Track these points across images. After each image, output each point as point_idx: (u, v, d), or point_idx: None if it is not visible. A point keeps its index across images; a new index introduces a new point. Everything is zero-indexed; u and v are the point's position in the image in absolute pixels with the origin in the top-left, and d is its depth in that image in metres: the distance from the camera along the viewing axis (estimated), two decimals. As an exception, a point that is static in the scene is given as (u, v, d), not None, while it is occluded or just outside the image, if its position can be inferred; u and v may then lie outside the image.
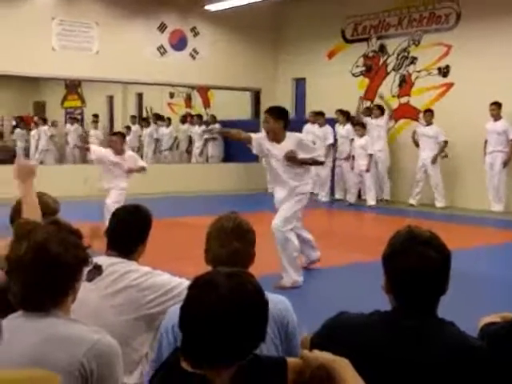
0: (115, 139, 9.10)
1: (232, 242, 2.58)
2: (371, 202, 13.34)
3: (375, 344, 2.08)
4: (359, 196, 14.04)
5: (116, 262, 3.09)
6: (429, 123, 13.02)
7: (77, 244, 2.21)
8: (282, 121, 6.76)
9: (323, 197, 14.43)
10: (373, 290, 2.41)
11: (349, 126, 14.20)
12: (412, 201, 13.23)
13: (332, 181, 14.52)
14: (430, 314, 2.14)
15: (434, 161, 12.85)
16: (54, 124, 20.64)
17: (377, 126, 13.73)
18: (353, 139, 13.99)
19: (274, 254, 6.63)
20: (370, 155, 13.34)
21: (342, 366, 1.92)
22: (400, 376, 2.02)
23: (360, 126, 13.54)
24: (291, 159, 6.62)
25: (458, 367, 2.02)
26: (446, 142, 12.83)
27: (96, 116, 20.25)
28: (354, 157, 13.74)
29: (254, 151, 7.13)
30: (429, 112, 13.12)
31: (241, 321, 1.70)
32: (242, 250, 2.60)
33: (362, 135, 13.45)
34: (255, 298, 1.75)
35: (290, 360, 2.10)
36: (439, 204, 12.93)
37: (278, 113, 6.82)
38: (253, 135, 7.04)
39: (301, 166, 6.74)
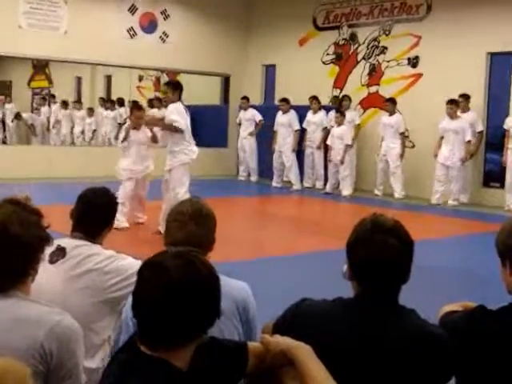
0: (140, 114, 9.00)
1: (189, 226, 2.56)
2: (346, 192, 13.27)
3: (337, 331, 2.09)
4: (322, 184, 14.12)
5: (80, 245, 3.06)
6: (391, 113, 13.10)
7: (37, 223, 2.18)
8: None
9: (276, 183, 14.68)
10: (337, 278, 2.42)
11: (322, 114, 14.22)
12: (377, 192, 13.29)
13: (301, 168, 14.53)
14: (392, 302, 2.15)
15: (401, 156, 12.92)
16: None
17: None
18: (326, 127, 13.99)
19: (242, 239, 6.66)
20: (347, 146, 13.22)
21: (303, 351, 1.93)
22: (362, 363, 2.04)
23: (339, 115, 13.33)
24: None
25: (418, 354, 2.04)
26: (402, 134, 12.93)
27: (65, 102, 20.13)
28: (327, 146, 13.64)
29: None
30: (391, 101, 13.19)
31: (192, 299, 1.70)
32: (200, 233, 2.57)
33: (340, 124, 13.30)
34: (204, 275, 1.76)
35: (251, 344, 2.11)
36: (397, 195, 12.91)
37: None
38: None
39: None
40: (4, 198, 2.24)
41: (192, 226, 2.56)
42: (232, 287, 2.58)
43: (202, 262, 1.79)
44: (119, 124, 18.96)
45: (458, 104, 11.90)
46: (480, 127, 12.06)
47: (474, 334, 2.15)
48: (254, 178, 15.59)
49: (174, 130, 8.12)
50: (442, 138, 12.13)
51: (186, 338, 1.75)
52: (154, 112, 18.47)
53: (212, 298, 1.77)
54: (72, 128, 19.84)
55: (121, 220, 8.33)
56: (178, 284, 1.69)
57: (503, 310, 2.18)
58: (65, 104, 20.01)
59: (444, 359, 2.08)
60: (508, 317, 2.15)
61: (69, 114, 19.88)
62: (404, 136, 13.05)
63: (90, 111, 19.69)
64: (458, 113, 11.97)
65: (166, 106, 8.42)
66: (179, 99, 8.35)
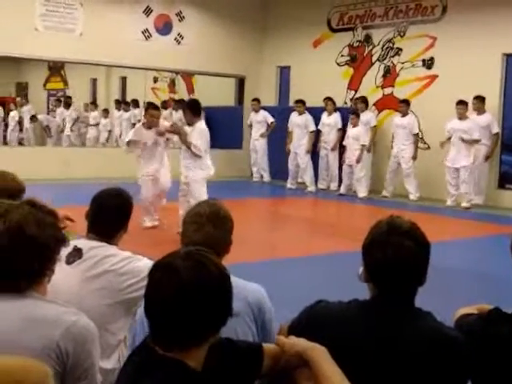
0: (156, 113, 8.95)
1: (207, 227, 2.56)
2: (362, 193, 13.22)
3: (353, 333, 2.09)
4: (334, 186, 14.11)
5: (96, 246, 3.07)
6: (404, 114, 13.06)
7: (53, 224, 2.19)
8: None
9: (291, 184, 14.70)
10: (352, 280, 2.41)
11: (337, 115, 14.20)
12: (385, 193, 13.26)
13: (316, 169, 14.52)
14: (408, 304, 2.15)
15: (414, 157, 12.87)
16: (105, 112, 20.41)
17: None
18: (340, 129, 13.98)
19: (257, 241, 6.65)
20: (363, 146, 13.18)
21: (318, 352, 1.93)
22: (377, 365, 2.03)
23: (355, 116, 13.31)
24: None
25: (434, 357, 2.03)
26: (416, 135, 12.90)
27: (69, 97, 20.29)
28: (344, 147, 13.62)
29: None
30: (404, 103, 13.16)
31: (203, 299, 1.71)
32: (217, 235, 2.57)
33: (355, 125, 13.27)
34: (215, 274, 1.76)
35: (266, 346, 2.11)
36: (412, 196, 12.89)
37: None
38: None
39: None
40: (21, 200, 2.26)
41: (209, 228, 2.56)
42: (246, 288, 2.58)
43: (212, 262, 1.79)
44: (133, 124, 19.08)
45: (467, 105, 11.83)
46: (496, 129, 11.97)
47: (490, 337, 2.14)
48: (266, 178, 15.61)
49: (190, 151, 8.18)
50: (449, 139, 12.06)
51: (198, 338, 1.75)
52: (167, 114, 18.59)
53: (223, 297, 1.78)
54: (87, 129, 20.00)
55: (145, 220, 8.61)
56: (188, 285, 1.70)
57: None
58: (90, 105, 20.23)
59: (460, 362, 2.08)
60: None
61: (86, 115, 20.05)
62: (417, 137, 13.00)
63: (105, 112, 19.81)
64: (474, 115, 11.89)
65: (189, 125, 8.39)
66: (199, 118, 8.49)
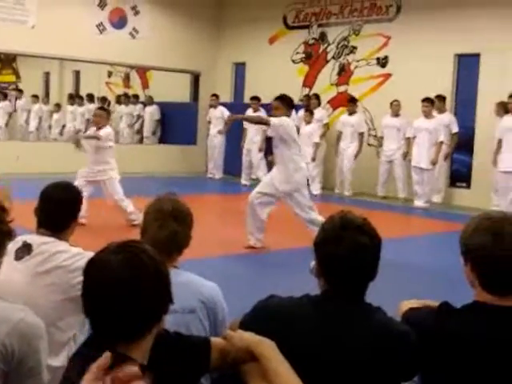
0: (100, 113, 9.00)
1: (171, 224, 2.55)
2: (315, 191, 13.20)
3: (302, 327, 2.10)
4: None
5: (47, 242, 3.02)
6: (351, 112, 13.20)
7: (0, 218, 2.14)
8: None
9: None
10: (305, 275, 2.43)
11: (292, 112, 14.19)
12: (337, 190, 13.44)
13: (269, 167, 14.53)
14: (359, 300, 2.17)
15: (356, 155, 13.07)
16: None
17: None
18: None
19: (210, 237, 6.64)
20: (316, 143, 13.25)
21: (267, 347, 1.93)
22: (326, 360, 2.05)
23: (308, 113, 13.35)
24: None
25: (383, 351, 2.05)
26: (361, 134, 13.06)
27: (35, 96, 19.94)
28: None
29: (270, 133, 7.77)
30: (351, 101, 13.31)
31: (139, 290, 1.70)
32: (181, 231, 2.58)
33: (308, 122, 13.30)
34: (148, 264, 1.75)
35: (214, 340, 2.11)
36: (346, 193, 13.18)
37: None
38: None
39: None
40: None
41: (173, 225, 2.55)
42: (201, 285, 2.58)
43: (145, 252, 1.78)
44: (87, 120, 18.85)
45: (433, 103, 11.94)
46: (455, 128, 12.01)
47: (438, 331, 2.17)
48: (218, 175, 15.61)
49: (259, 122, 7.96)
50: (414, 137, 12.16)
51: (141, 330, 1.74)
52: (122, 108, 18.48)
53: (160, 285, 1.77)
54: (39, 123, 19.65)
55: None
56: (122, 278, 1.69)
57: (465, 308, 2.21)
58: (35, 98, 19.82)
59: (409, 356, 2.10)
60: (468, 315, 2.18)
61: (38, 108, 19.67)
62: (362, 136, 13.16)
63: (57, 107, 19.53)
64: (434, 113, 12.05)
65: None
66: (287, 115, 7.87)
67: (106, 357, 1.33)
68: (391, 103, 12.70)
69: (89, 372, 1.32)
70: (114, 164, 8.99)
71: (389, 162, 12.89)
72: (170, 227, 2.55)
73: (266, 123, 7.68)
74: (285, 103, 7.75)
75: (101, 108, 9.42)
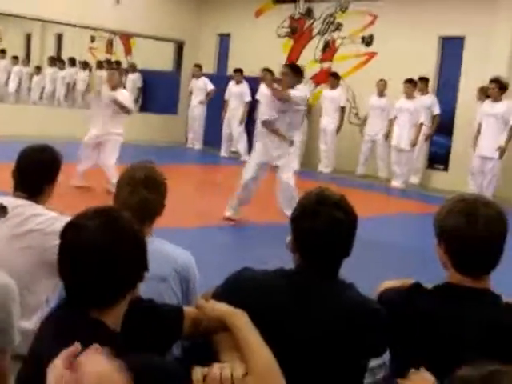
0: (113, 73, 9.07)
1: (142, 191, 2.56)
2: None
3: (275, 300, 2.12)
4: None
5: (22, 205, 3.01)
6: (333, 87, 13.19)
7: None
8: None
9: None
10: (281, 249, 2.44)
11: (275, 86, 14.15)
12: (321, 167, 13.46)
13: (250, 140, 14.53)
14: (332, 276, 2.19)
15: (337, 130, 13.12)
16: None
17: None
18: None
19: (186, 207, 6.64)
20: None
21: (238, 317, 1.95)
22: (297, 333, 2.07)
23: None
24: None
25: (355, 328, 2.08)
26: (343, 108, 13.08)
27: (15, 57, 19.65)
28: None
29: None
30: (333, 76, 13.31)
31: (115, 255, 1.71)
32: (152, 199, 2.58)
33: None
34: (125, 229, 1.77)
35: (187, 308, 2.13)
36: (325, 169, 13.20)
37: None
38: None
39: None
40: None
41: (144, 192, 2.56)
42: (174, 253, 2.59)
43: (122, 218, 1.79)
44: (68, 84, 18.67)
45: (416, 84, 11.97)
46: (437, 110, 12.07)
47: (409, 311, 2.20)
48: (198, 146, 15.57)
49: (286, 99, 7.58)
50: (395, 118, 12.21)
51: (115, 296, 1.75)
52: (103, 74, 18.30)
53: (136, 252, 1.78)
54: (19, 86, 19.42)
55: None
56: (98, 242, 1.70)
57: (437, 289, 2.24)
58: (15, 60, 19.56)
59: (379, 333, 2.13)
60: (440, 295, 2.20)
61: (19, 70, 19.43)
62: (343, 111, 13.17)
63: (38, 69, 19.28)
64: (417, 94, 12.08)
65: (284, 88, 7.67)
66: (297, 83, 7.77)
67: (76, 346, 1.34)
68: (377, 82, 12.69)
69: (58, 357, 1.33)
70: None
71: (371, 142, 12.93)
72: (140, 194, 2.55)
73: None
74: (293, 71, 7.82)
75: (113, 68, 9.45)
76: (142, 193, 2.56)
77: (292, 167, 7.78)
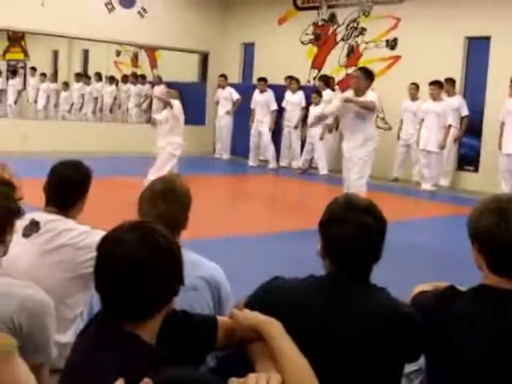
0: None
1: (160, 204, 2.55)
2: (323, 171, 13.32)
3: (307, 308, 2.11)
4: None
5: (54, 219, 3.04)
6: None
7: (8, 195, 2.15)
8: None
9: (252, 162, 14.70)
10: (312, 257, 2.43)
11: (300, 94, 14.20)
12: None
13: (278, 147, 14.54)
14: (363, 280, 2.18)
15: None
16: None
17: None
18: (304, 107, 14.00)
19: (218, 218, 6.64)
20: (326, 124, 13.18)
21: (273, 326, 1.94)
22: (331, 340, 2.06)
23: (317, 94, 13.35)
24: None
25: (388, 333, 2.06)
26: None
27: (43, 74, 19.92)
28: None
29: None
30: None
31: (152, 270, 1.72)
32: (171, 211, 2.55)
33: (317, 104, 13.22)
34: (162, 245, 1.77)
35: (221, 318, 2.13)
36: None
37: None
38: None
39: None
40: None
41: (161, 205, 2.55)
42: (204, 266, 2.60)
43: (159, 232, 1.79)
44: (95, 99, 18.86)
45: (442, 86, 11.84)
46: (465, 111, 11.96)
47: (443, 313, 2.17)
48: (226, 156, 15.60)
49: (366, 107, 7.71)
50: (422, 120, 12.07)
51: (151, 310, 1.75)
52: (130, 88, 18.46)
53: (173, 266, 1.78)
54: (47, 102, 19.66)
55: None
56: (136, 256, 1.70)
57: (471, 292, 2.21)
58: (43, 77, 19.82)
59: (414, 338, 2.11)
60: (476, 298, 2.17)
61: (46, 87, 19.67)
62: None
63: (65, 85, 19.51)
64: (444, 96, 11.97)
65: (357, 92, 7.76)
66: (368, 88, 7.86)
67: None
68: (408, 86, 12.51)
69: None
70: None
71: (406, 146, 12.82)
72: (158, 207, 2.54)
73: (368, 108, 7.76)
74: (366, 74, 7.87)
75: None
76: (160, 206, 2.55)
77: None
